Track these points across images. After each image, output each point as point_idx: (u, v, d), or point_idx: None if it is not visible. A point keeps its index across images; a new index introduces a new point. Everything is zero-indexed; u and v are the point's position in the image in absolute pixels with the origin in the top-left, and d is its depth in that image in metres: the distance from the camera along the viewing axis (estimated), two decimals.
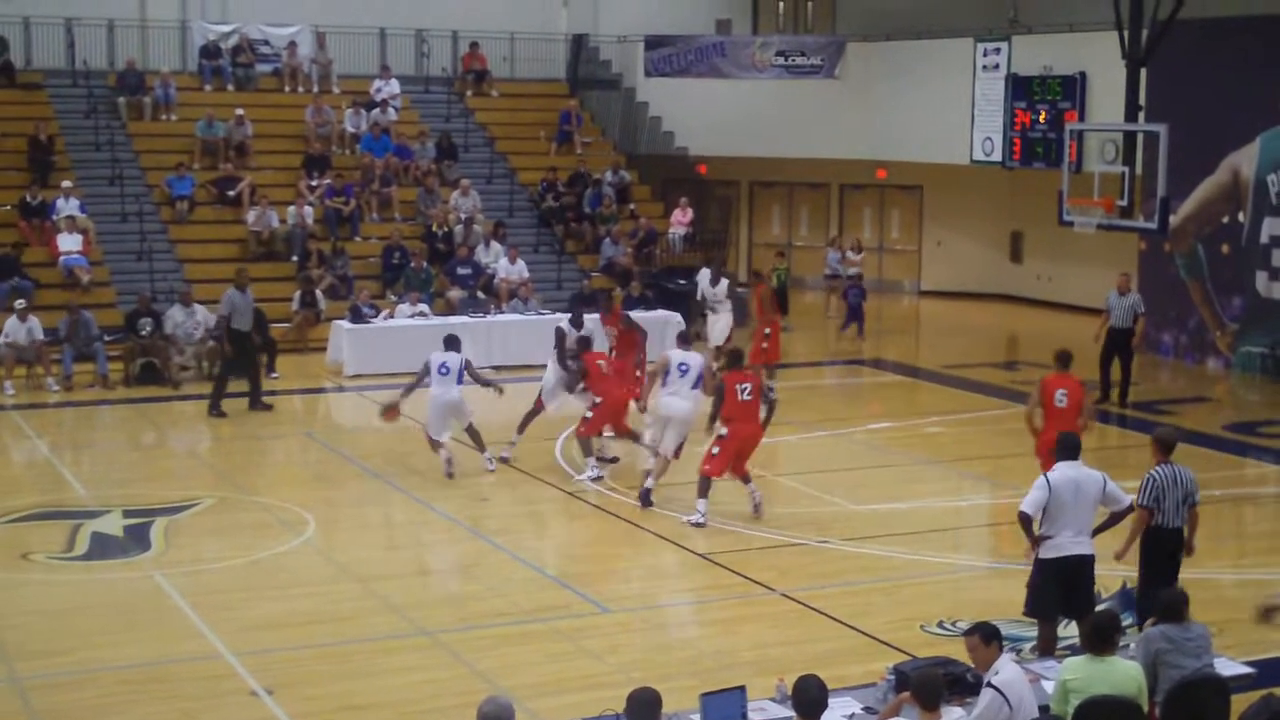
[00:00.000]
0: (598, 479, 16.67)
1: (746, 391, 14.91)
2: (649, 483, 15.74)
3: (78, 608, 12.53)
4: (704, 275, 24.48)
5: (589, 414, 16.92)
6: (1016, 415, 20.05)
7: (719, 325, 23.50)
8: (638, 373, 17.67)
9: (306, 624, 12.14)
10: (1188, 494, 11.05)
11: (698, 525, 14.80)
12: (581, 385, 17.31)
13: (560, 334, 17.80)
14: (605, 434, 17.32)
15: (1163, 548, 11.05)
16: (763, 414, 15.08)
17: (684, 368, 15.97)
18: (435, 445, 17.04)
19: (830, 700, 8.52)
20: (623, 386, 17.16)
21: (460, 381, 16.91)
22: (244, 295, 20.48)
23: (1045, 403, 14.37)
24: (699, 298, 24.59)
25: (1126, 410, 21.48)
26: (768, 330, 21.94)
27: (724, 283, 24.04)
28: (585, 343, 17.56)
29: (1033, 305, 32.07)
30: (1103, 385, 21.43)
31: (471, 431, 17.18)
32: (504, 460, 17.48)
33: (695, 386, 15.86)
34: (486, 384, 17.80)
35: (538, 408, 17.73)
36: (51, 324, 22.23)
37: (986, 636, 8.43)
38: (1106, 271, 26.06)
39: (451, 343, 17.23)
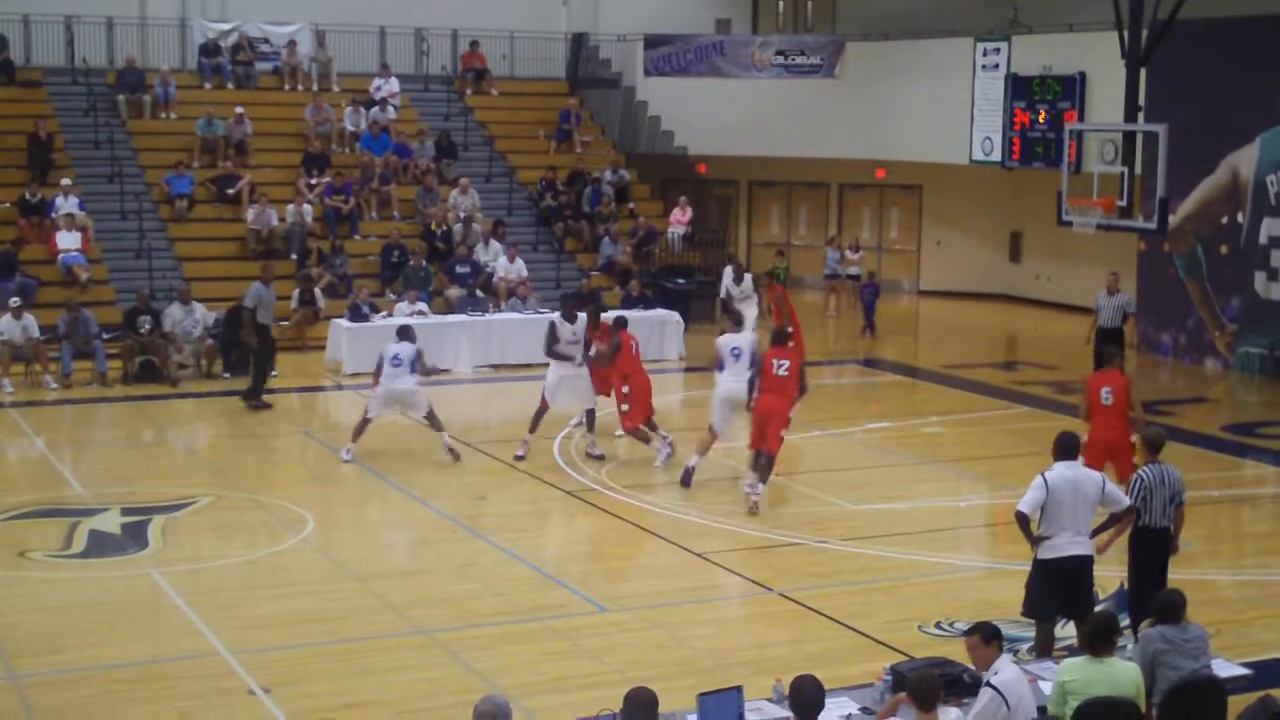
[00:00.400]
0: (670, 451, 17.15)
1: (783, 368, 15.42)
2: (692, 460, 16.27)
3: (75, 605, 12.51)
4: (727, 274, 24.75)
5: (625, 407, 17.28)
6: (1016, 415, 20.19)
7: (746, 319, 23.52)
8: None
9: (304, 622, 12.13)
10: (1175, 494, 11.06)
11: (751, 491, 15.53)
12: (587, 371, 17.58)
13: (552, 327, 17.85)
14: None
15: (1150, 548, 11.06)
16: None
17: (736, 352, 16.31)
18: (363, 425, 17.63)
19: (827, 700, 8.51)
20: (644, 373, 17.67)
21: (413, 372, 17.40)
22: (269, 289, 20.72)
23: (1091, 401, 14.45)
24: (722, 295, 24.71)
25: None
26: (789, 329, 21.99)
27: (748, 279, 24.24)
28: (621, 321, 17.96)
29: (1032, 305, 32.07)
30: None
31: (430, 417, 17.59)
32: (519, 458, 17.59)
33: (752, 366, 16.07)
34: (429, 372, 18.47)
35: (543, 406, 17.78)
36: (49, 321, 22.23)
37: (987, 636, 8.43)
38: (1105, 271, 26.05)
39: (405, 333, 17.72)
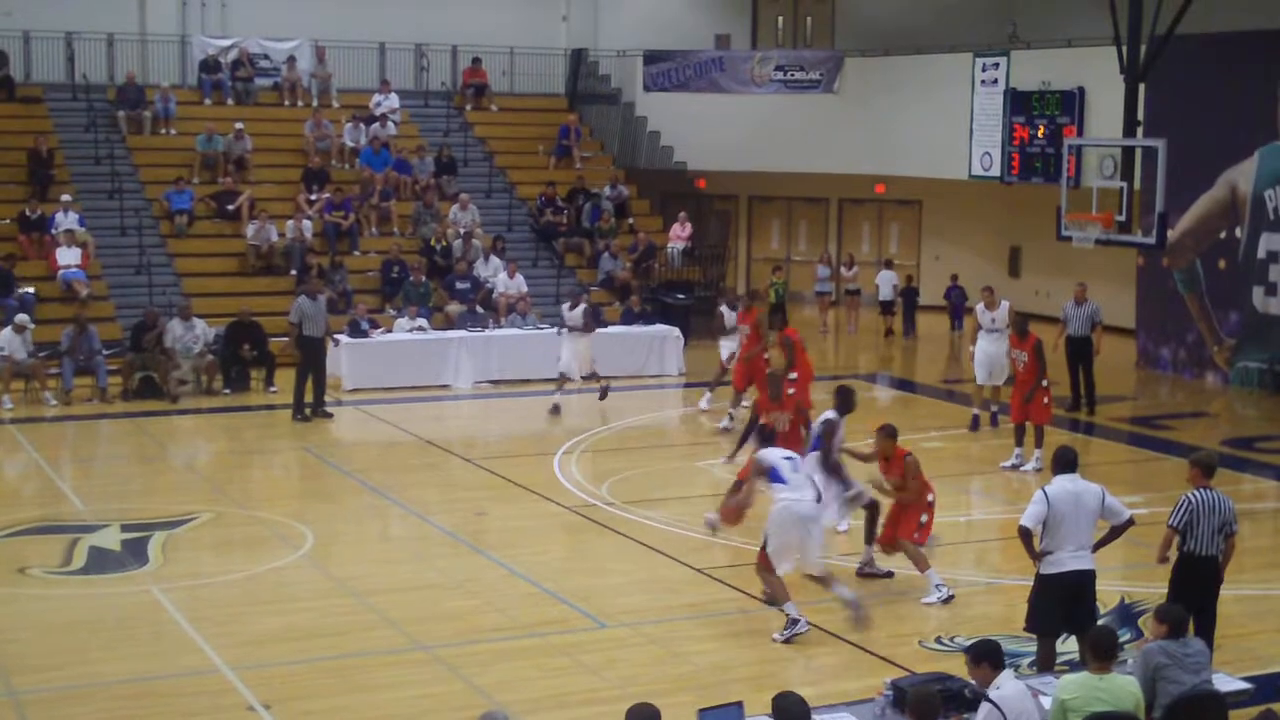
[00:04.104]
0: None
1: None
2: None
3: (75, 622, 12.50)
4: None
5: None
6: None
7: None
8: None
9: (304, 639, 12.12)
10: (1225, 522, 10.65)
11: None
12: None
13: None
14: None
15: (1194, 575, 10.69)
16: None
17: None
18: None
19: (826, 716, 8.54)
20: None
21: None
22: (314, 302, 20.96)
23: None
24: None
25: (1127, 425, 21.54)
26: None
27: (1004, 305, 21.22)
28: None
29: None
30: (1073, 395, 22.12)
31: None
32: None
33: None
34: None
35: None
36: (49, 337, 22.23)
37: (976, 657, 8.36)
38: (1106, 286, 26.08)
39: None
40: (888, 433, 13.67)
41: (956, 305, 31.20)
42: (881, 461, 13.69)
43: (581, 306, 21.84)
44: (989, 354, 20.28)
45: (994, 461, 18.86)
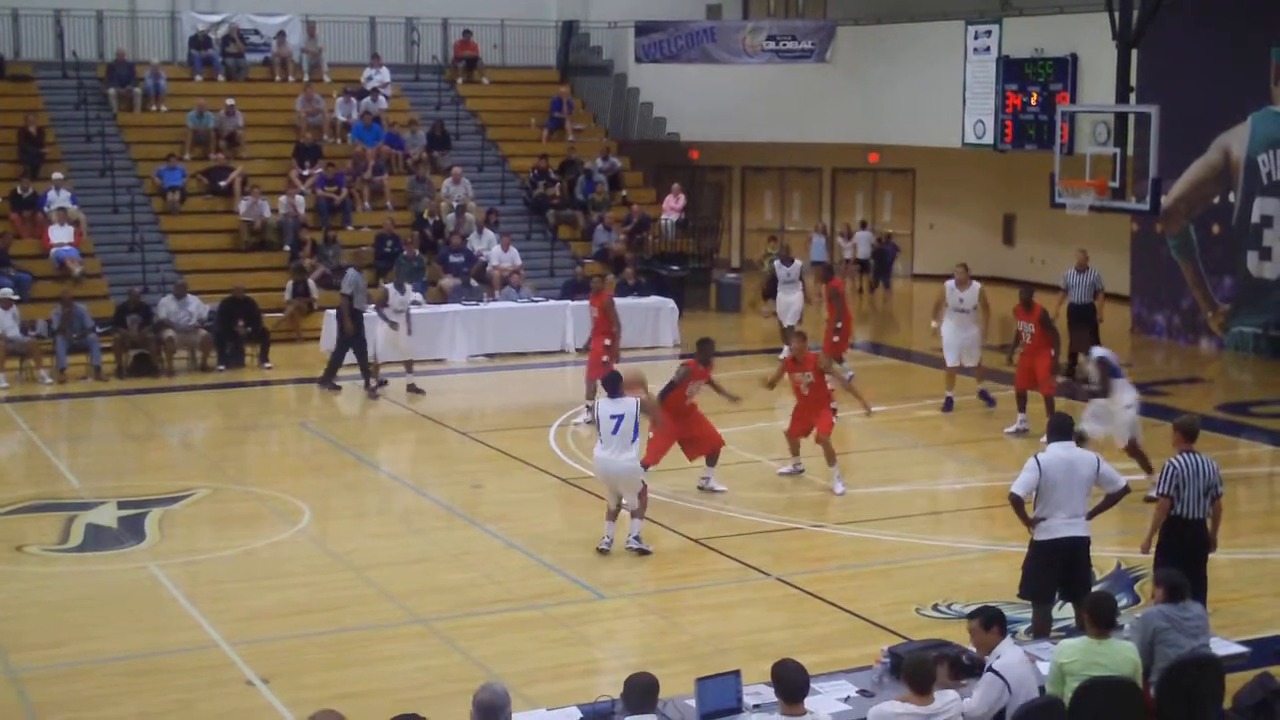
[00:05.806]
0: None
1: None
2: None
3: (73, 599, 12.52)
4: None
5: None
6: (1010, 397, 20.18)
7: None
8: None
9: (302, 613, 12.14)
10: (1210, 485, 10.69)
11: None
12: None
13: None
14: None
15: (1182, 539, 10.70)
16: None
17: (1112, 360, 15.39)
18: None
19: (825, 684, 8.55)
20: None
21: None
22: (361, 275, 21.25)
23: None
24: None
25: None
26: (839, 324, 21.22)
27: (975, 286, 20.14)
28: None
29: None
30: (1070, 362, 21.85)
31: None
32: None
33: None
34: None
35: None
36: (44, 316, 22.19)
37: (987, 621, 8.42)
38: (1100, 253, 26.03)
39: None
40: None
41: (889, 259, 32.84)
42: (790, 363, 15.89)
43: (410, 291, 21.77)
44: (958, 336, 19.41)
45: (987, 429, 18.87)
